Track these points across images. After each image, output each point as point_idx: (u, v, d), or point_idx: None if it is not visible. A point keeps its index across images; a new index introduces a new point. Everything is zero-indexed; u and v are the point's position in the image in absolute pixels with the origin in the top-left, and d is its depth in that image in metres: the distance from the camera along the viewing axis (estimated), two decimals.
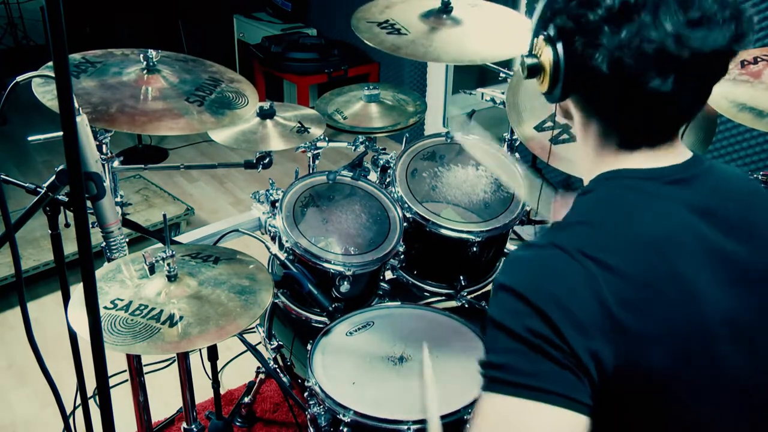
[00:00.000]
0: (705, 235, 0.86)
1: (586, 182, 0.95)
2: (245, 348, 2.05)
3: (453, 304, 1.97)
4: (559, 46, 0.86)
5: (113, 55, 1.78)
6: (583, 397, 0.78)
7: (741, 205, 0.92)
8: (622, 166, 0.91)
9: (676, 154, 0.91)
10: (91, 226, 1.07)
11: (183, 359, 1.76)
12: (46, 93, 1.54)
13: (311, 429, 1.59)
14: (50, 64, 1.09)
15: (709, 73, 0.84)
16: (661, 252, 0.83)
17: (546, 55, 0.89)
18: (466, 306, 1.95)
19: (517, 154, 2.15)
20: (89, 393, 1.80)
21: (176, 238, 2.12)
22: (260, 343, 2.10)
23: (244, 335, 1.97)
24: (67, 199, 1.48)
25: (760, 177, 1.95)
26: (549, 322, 0.77)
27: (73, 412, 2.28)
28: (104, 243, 1.51)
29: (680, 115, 0.88)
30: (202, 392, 2.39)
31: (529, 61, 0.93)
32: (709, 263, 0.85)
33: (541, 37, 0.90)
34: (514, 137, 2.25)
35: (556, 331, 0.77)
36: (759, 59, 1.79)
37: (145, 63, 1.71)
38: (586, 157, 0.96)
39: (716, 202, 0.90)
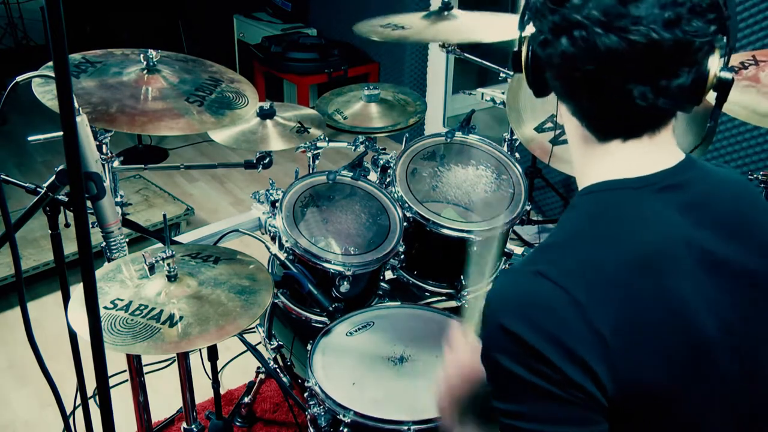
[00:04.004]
0: (701, 244, 0.84)
1: (578, 183, 0.94)
2: (245, 348, 2.05)
3: (453, 304, 1.97)
4: (530, 39, 0.88)
5: (113, 55, 1.78)
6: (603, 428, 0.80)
7: (738, 208, 0.90)
8: (608, 169, 0.88)
9: (664, 153, 0.88)
10: (91, 226, 1.07)
11: (183, 359, 1.76)
12: (46, 93, 1.54)
13: (311, 429, 1.59)
14: (50, 64, 1.09)
15: (655, 65, 0.78)
16: (650, 271, 0.81)
17: (524, 48, 0.91)
18: (467, 306, 1.95)
19: (517, 155, 2.16)
20: (89, 393, 1.80)
21: (176, 238, 2.11)
22: (260, 343, 2.10)
23: (244, 335, 1.97)
24: (67, 199, 1.48)
25: (760, 177, 1.94)
26: (549, 363, 0.77)
27: (73, 412, 2.28)
28: (104, 243, 1.50)
29: (642, 106, 0.80)
30: (202, 392, 2.39)
31: (513, 55, 0.94)
32: (705, 273, 0.84)
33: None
34: (514, 138, 2.25)
35: (559, 372, 0.77)
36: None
37: (145, 63, 1.71)
38: (574, 156, 0.94)
39: (712, 207, 0.88)
